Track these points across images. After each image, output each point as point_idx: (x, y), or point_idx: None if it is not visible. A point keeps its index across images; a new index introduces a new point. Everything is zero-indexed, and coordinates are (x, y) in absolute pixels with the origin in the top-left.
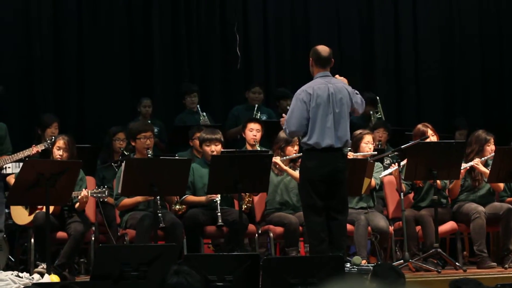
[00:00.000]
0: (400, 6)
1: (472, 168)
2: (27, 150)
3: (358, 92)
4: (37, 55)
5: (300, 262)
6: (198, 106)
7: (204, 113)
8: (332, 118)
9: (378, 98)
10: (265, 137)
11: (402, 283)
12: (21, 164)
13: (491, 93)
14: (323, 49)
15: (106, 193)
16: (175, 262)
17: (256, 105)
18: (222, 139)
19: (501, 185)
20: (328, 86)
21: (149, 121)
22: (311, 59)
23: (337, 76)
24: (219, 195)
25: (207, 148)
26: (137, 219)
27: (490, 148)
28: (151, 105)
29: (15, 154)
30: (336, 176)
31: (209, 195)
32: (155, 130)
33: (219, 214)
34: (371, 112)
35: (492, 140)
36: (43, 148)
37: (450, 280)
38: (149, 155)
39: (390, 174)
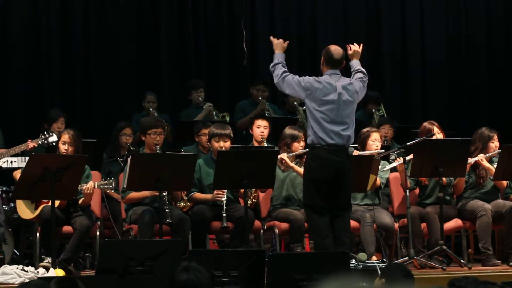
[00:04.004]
0: (407, 5)
1: (477, 165)
2: (23, 145)
3: (363, 71)
4: (44, 50)
5: (305, 258)
6: (200, 99)
7: (208, 103)
8: (335, 116)
9: (380, 97)
10: (272, 134)
11: (411, 283)
12: (27, 158)
13: (498, 90)
14: (336, 51)
15: (113, 185)
16: (181, 258)
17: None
18: (232, 135)
19: (504, 182)
20: (336, 85)
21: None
22: (322, 58)
23: (350, 46)
24: (225, 196)
25: (216, 144)
26: (138, 214)
27: (494, 145)
28: (156, 101)
29: (11, 149)
30: (340, 176)
31: (216, 194)
32: None
33: (224, 215)
34: (373, 110)
35: (495, 137)
36: (39, 143)
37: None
38: (157, 151)
39: (395, 168)
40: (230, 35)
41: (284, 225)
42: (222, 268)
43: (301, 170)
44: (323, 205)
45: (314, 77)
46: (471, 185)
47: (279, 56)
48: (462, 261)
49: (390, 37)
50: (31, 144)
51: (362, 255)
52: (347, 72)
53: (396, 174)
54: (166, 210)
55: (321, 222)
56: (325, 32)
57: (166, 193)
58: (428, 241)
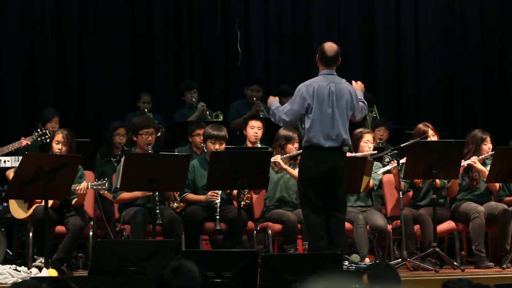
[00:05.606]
0: (402, 5)
1: (470, 168)
2: (17, 142)
3: (364, 101)
4: (39, 50)
5: (298, 259)
6: (194, 99)
7: (201, 102)
8: (330, 117)
9: (373, 98)
10: (266, 135)
11: (398, 282)
12: (20, 158)
13: (492, 92)
14: (329, 48)
15: (106, 186)
16: (173, 258)
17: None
18: (227, 136)
19: (497, 184)
20: (329, 85)
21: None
22: (317, 55)
23: (353, 82)
24: (219, 198)
25: (212, 146)
26: (131, 214)
27: (487, 147)
28: (151, 102)
29: (4, 147)
30: (335, 174)
31: (209, 195)
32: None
33: (217, 217)
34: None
35: (488, 139)
36: (32, 140)
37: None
38: (149, 151)
39: (389, 171)
40: (224, 36)
41: (277, 226)
42: (215, 269)
43: (294, 172)
44: (319, 204)
45: (304, 86)
46: (464, 187)
47: (274, 103)
48: (455, 263)
49: (384, 38)
50: (24, 141)
51: (355, 257)
52: (342, 71)
53: (390, 176)
54: (157, 210)
55: (317, 222)
56: (319, 33)
57: (157, 193)
58: (421, 243)
